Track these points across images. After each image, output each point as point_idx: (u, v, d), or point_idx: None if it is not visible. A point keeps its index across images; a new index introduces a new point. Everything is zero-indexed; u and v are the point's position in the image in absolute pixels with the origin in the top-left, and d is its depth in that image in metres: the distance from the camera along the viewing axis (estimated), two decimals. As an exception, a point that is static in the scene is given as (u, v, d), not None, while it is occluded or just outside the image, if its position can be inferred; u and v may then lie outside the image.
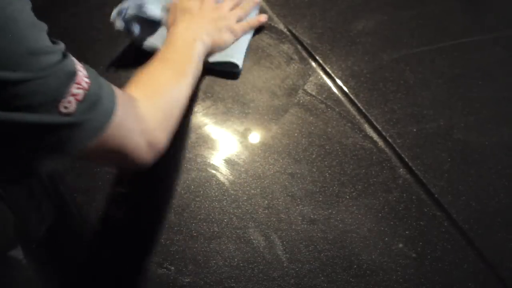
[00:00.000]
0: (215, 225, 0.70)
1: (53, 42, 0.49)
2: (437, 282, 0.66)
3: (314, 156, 0.76)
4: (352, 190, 0.73)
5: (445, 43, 0.90)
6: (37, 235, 0.77)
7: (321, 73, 0.85)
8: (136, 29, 0.82)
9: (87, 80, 0.50)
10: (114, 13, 0.81)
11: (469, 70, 0.86)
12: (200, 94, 0.82)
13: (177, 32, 0.79)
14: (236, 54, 0.84)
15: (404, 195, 0.73)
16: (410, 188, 0.73)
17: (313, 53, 0.87)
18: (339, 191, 0.73)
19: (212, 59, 0.83)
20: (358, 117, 0.80)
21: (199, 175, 0.74)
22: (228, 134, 0.79)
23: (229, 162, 0.76)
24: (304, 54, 0.88)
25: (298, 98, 0.82)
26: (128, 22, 0.81)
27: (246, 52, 0.86)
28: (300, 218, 0.70)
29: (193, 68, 0.75)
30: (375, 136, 0.78)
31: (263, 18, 0.90)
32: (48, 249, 0.78)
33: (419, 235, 0.69)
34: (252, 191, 0.73)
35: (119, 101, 0.54)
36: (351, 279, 0.66)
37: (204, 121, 0.80)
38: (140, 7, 0.81)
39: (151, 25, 0.84)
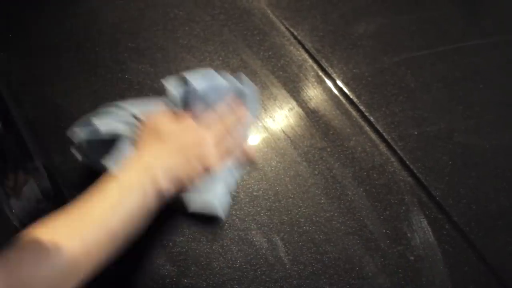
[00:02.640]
0: (217, 227, 0.70)
1: None
2: (438, 284, 0.67)
3: (316, 158, 0.76)
4: (354, 192, 0.73)
5: (445, 47, 0.90)
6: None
7: (323, 75, 0.85)
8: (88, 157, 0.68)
9: None
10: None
11: (469, 74, 0.87)
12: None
13: (126, 168, 0.59)
14: (215, 201, 0.68)
15: (406, 197, 0.73)
16: (412, 191, 0.74)
17: (314, 56, 0.88)
18: (341, 193, 0.73)
19: (189, 202, 0.67)
20: (359, 119, 0.80)
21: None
22: (230, 136, 0.79)
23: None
24: (306, 56, 0.88)
25: (299, 101, 0.82)
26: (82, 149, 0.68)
27: (228, 194, 0.72)
28: (303, 220, 0.71)
29: (120, 237, 0.56)
30: (376, 139, 0.78)
31: (250, 152, 0.71)
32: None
33: (421, 237, 0.70)
34: (254, 193, 0.73)
35: None
36: (353, 281, 0.67)
37: (206, 123, 0.80)
38: (93, 128, 0.65)
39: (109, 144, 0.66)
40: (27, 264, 0.48)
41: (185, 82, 0.68)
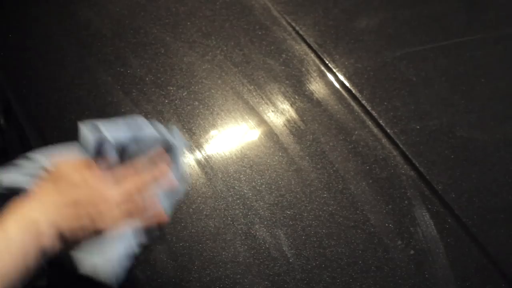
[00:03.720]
0: (220, 221, 0.70)
1: None
2: (441, 277, 0.67)
3: (318, 152, 0.76)
4: (356, 186, 0.73)
5: (448, 42, 0.90)
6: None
7: (325, 70, 0.86)
8: None
9: None
10: None
11: (471, 68, 0.87)
12: (205, 91, 0.83)
13: (7, 219, 0.53)
14: (107, 266, 0.59)
15: (408, 191, 0.73)
16: (414, 185, 0.74)
17: (317, 50, 0.88)
18: (344, 187, 0.73)
19: (79, 262, 0.58)
20: (361, 114, 0.81)
21: (205, 171, 0.74)
22: (233, 131, 0.79)
23: (234, 159, 0.76)
24: (308, 51, 0.88)
25: (301, 95, 0.82)
26: None
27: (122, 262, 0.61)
28: (305, 214, 0.71)
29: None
30: (379, 133, 0.79)
31: (162, 216, 0.64)
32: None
33: (423, 231, 0.70)
34: (257, 188, 0.73)
35: None
36: (356, 275, 0.67)
37: (209, 119, 0.80)
38: None
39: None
40: None
41: (104, 129, 0.63)
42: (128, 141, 0.64)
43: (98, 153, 0.62)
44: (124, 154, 0.64)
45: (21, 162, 0.61)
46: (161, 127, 0.67)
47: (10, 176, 0.60)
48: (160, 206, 0.64)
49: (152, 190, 0.63)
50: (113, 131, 0.63)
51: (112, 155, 0.63)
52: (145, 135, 0.65)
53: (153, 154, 0.65)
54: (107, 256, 0.59)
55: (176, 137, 0.67)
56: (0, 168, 0.61)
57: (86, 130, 0.62)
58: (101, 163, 0.62)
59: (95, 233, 0.58)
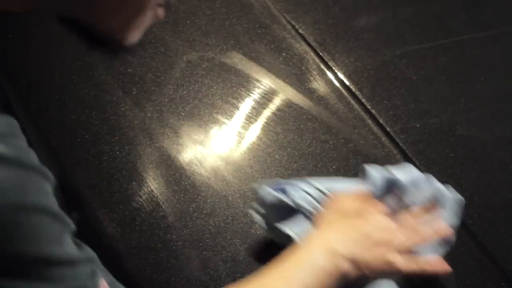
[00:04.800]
0: (220, 220, 0.70)
1: (78, 246, 0.41)
2: (441, 276, 0.67)
3: (318, 151, 0.76)
4: (356, 185, 0.73)
5: (447, 40, 0.90)
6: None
7: (325, 68, 0.86)
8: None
9: None
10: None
11: (471, 67, 0.87)
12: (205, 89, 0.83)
13: (310, 246, 0.58)
14: None
15: (408, 190, 0.73)
16: (414, 183, 0.74)
17: (316, 49, 0.88)
18: (344, 186, 0.73)
19: None
20: (361, 112, 0.81)
21: (204, 170, 0.75)
22: (233, 130, 0.79)
23: (234, 158, 0.76)
24: (308, 50, 0.88)
25: (301, 94, 0.82)
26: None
27: None
28: (305, 213, 0.71)
29: None
30: (378, 132, 0.79)
31: (442, 266, 0.61)
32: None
33: (423, 229, 0.70)
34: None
35: None
36: (356, 274, 0.67)
37: (209, 118, 0.80)
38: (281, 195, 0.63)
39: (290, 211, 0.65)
40: None
41: (388, 171, 0.64)
42: (410, 185, 0.64)
43: (382, 194, 0.64)
44: (404, 199, 0.64)
45: (297, 182, 0.65)
46: (433, 178, 0.66)
47: (293, 194, 0.63)
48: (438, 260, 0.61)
49: (430, 243, 0.61)
50: (399, 172, 0.64)
51: (395, 198, 0.64)
52: (420, 180, 0.65)
53: (429, 205, 0.64)
54: None
55: (450, 191, 0.65)
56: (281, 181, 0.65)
57: (374, 168, 0.65)
58: (385, 203, 0.63)
59: (384, 268, 0.58)
